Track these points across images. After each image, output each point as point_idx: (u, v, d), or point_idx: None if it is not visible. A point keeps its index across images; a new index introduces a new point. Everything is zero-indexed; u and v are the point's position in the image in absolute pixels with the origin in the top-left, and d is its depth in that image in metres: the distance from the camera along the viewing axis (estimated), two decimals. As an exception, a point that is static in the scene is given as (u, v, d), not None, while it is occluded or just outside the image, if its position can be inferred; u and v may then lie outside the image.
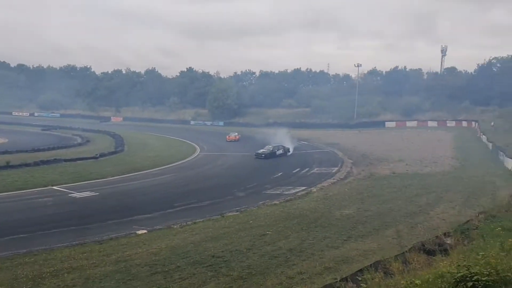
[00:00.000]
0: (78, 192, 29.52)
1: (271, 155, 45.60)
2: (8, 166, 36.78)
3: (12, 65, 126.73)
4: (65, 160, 41.42)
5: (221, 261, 15.73)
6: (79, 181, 33.26)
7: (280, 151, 47.03)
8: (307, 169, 40.07)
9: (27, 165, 38.07)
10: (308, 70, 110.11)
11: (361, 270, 11.87)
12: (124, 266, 15.46)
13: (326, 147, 54.69)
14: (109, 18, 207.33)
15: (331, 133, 68.48)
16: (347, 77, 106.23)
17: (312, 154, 48.62)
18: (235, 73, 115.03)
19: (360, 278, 10.97)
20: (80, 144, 56.00)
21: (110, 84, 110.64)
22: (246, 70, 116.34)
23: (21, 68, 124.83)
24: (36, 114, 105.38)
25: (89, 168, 38.88)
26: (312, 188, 31.72)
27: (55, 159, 41.25)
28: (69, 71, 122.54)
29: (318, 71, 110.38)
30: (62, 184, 31.73)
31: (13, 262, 16.28)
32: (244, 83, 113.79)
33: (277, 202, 27.30)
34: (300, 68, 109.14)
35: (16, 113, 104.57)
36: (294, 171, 39.01)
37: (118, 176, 35.60)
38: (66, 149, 50.77)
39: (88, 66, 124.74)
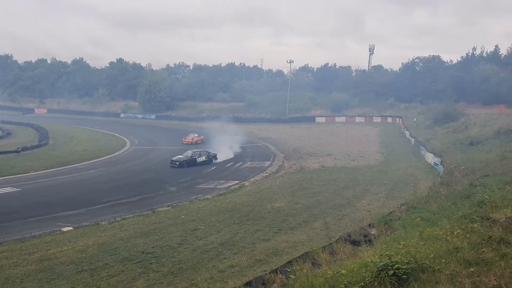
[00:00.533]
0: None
1: (190, 163, 37.55)
2: None
3: None
4: (-18, 154, 38.69)
5: (151, 257, 15.46)
6: (-2, 176, 31.22)
7: (202, 158, 38.76)
8: (240, 163, 40.28)
9: None
10: (242, 64, 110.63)
11: (290, 262, 12.15)
12: (47, 264, 14.75)
13: (259, 142, 55.28)
14: (32, 3, 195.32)
15: (264, 128, 69.28)
16: (280, 72, 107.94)
17: (245, 148, 48.88)
18: (168, 65, 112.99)
19: (289, 270, 11.21)
20: (0, 137, 52.41)
21: (34, 74, 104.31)
22: (179, 63, 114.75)
23: None
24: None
25: (10, 162, 36.53)
26: (244, 182, 31.95)
27: (-29, 152, 38.40)
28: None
29: (252, 66, 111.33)
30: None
31: None
32: (177, 76, 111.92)
33: (210, 197, 27.24)
34: (234, 62, 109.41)
35: None
36: (227, 165, 39.09)
37: (41, 171, 33.84)
38: (-17, 142, 47.35)
39: (9, 55, 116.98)
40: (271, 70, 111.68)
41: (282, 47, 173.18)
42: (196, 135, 54.32)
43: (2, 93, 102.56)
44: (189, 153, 39.15)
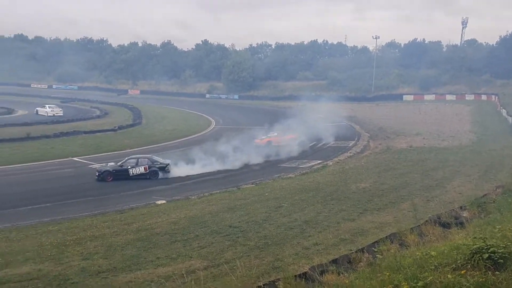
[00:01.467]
0: (98, 163, 30.05)
1: (117, 175, 26.33)
2: (28, 137, 37.80)
3: (29, 37, 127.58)
4: (85, 132, 42.26)
5: (238, 231, 16.06)
6: (98, 152, 33.93)
7: (139, 170, 26.67)
8: (323, 143, 40.02)
9: (47, 136, 38.98)
10: (325, 42, 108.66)
11: (377, 242, 12.05)
12: (145, 234, 15.92)
13: (343, 121, 54.35)
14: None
15: (348, 106, 67.78)
16: (364, 49, 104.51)
17: (328, 127, 48.32)
18: (251, 45, 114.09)
19: (376, 250, 11.15)
20: (98, 117, 56.70)
21: (127, 57, 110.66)
22: (262, 42, 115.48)
23: (38, 40, 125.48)
24: (54, 86, 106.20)
25: (108, 140, 39.55)
26: (328, 162, 31.76)
27: (75, 131, 42.11)
28: (86, 44, 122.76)
29: (335, 43, 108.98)
30: (82, 156, 32.40)
31: (38, 230, 16.92)
32: (260, 55, 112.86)
33: (293, 175, 27.46)
34: (317, 39, 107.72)
35: (35, 85, 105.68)
36: (310, 145, 38.91)
37: (136, 148, 36.09)
38: (85, 121, 51.53)
39: (105, 39, 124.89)
40: (356, 46, 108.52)
41: (367, 23, 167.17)
42: (275, 133, 37.93)
43: (99, 76, 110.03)
44: (126, 160, 27.46)
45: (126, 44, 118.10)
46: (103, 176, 26.16)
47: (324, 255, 13.23)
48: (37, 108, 59.57)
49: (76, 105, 72.12)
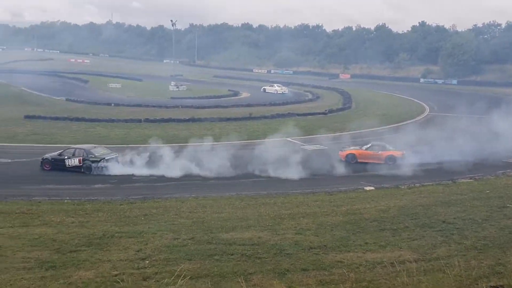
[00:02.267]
0: (308, 144, 31.58)
1: (55, 164, 24.38)
2: (250, 117, 42.22)
3: (254, 26, 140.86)
4: (298, 115, 44.88)
5: (453, 228, 15.02)
6: (309, 134, 35.54)
7: (74, 161, 24.17)
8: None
9: (265, 117, 43.00)
10: None
11: None
12: (353, 218, 16.20)
13: None
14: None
15: None
16: None
17: None
18: (475, 25, 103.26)
19: None
20: (310, 100, 59.37)
21: (340, 41, 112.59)
22: (489, 22, 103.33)
23: (261, 28, 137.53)
24: (272, 71, 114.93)
25: (318, 123, 41.04)
26: None
27: (289, 113, 45.16)
28: (302, 30, 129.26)
29: None
30: (295, 136, 34.40)
31: (257, 201, 18.87)
32: (486, 36, 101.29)
33: (522, 173, 24.19)
34: None
35: (256, 70, 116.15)
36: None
37: (345, 132, 36.65)
38: (298, 104, 54.60)
39: (320, 24, 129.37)
40: None
41: None
42: (369, 145, 27.67)
43: (312, 60, 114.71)
44: (68, 151, 24.87)
45: (340, 29, 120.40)
46: (43, 164, 24.59)
47: None
48: (264, 87, 69.53)
49: (291, 88, 76.58)
